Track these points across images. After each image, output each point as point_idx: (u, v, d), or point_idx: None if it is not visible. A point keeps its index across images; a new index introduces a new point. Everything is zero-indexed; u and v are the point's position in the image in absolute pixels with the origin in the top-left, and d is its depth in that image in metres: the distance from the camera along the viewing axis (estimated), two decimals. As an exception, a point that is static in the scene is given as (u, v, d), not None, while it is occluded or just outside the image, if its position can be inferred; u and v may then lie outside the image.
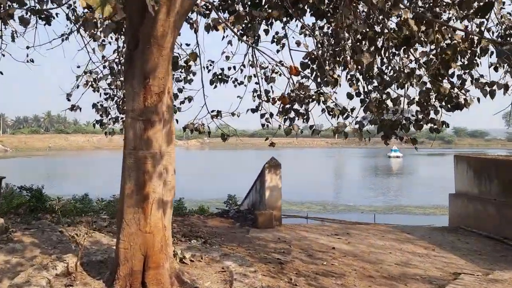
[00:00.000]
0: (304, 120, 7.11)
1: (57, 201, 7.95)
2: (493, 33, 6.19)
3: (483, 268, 6.49)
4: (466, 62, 5.68)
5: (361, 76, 6.44)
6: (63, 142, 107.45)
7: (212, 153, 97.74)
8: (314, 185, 38.86)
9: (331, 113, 6.55)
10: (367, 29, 4.73)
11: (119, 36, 7.76)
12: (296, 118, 7.15)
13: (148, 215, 3.65)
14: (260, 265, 6.26)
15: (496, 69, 6.06)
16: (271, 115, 7.50)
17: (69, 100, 7.90)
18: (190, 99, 8.48)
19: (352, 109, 6.22)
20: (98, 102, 8.40)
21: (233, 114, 7.66)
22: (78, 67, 7.99)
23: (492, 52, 5.80)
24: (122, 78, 7.63)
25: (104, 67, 8.35)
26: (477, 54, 5.75)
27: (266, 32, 7.12)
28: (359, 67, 5.40)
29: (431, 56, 5.16)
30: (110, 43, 7.97)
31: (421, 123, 5.81)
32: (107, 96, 8.48)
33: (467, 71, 5.81)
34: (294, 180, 40.94)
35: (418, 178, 48.12)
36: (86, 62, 7.99)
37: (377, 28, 5.47)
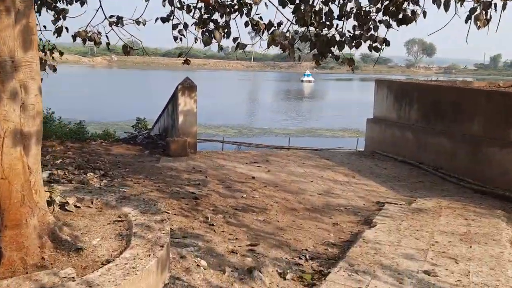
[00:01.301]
0: (225, 35, 5.94)
1: None
2: None
3: (404, 196, 6.35)
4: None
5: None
6: None
7: (121, 72, 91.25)
8: (230, 108, 38.32)
9: (255, 27, 5.49)
10: None
11: None
12: (216, 31, 5.94)
13: (-2, 154, 2.46)
14: (171, 201, 5.40)
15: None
16: (186, 26, 6.17)
17: None
18: (82, 1, 6.73)
19: (279, 24, 5.22)
20: None
21: (138, 22, 6.18)
22: None
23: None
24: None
25: None
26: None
27: None
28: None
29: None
30: None
31: (360, 40, 5.02)
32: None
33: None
34: (210, 103, 39.91)
35: (328, 102, 49.86)
36: None
37: None
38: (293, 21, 5.09)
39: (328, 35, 5.09)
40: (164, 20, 6.35)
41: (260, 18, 5.68)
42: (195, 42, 6.23)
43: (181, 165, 7.86)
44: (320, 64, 5.51)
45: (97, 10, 5.94)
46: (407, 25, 4.74)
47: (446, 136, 7.77)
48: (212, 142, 20.89)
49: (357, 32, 5.15)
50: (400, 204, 5.75)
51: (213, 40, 4.70)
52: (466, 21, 4.55)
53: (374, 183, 7.12)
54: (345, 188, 6.81)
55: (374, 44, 5.10)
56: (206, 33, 5.68)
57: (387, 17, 4.98)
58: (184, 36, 6.45)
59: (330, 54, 5.06)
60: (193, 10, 5.90)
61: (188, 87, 8.95)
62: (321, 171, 7.93)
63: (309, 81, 79.07)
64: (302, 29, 5.17)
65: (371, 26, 5.07)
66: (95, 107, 34.36)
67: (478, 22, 4.51)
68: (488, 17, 4.54)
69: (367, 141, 10.48)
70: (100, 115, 30.27)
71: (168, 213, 4.90)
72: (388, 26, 5.06)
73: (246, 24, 5.66)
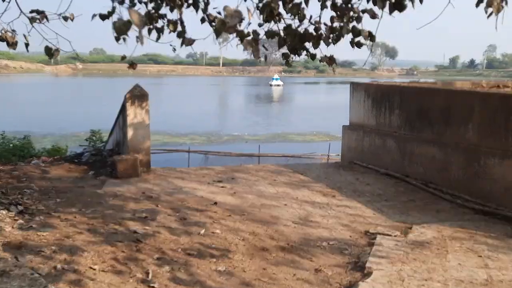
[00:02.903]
0: (179, 34, 4.72)
1: None
2: None
3: (396, 221, 5.29)
4: None
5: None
6: None
7: (86, 80, 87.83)
8: (198, 115, 36.96)
9: (213, 23, 4.32)
10: None
11: None
12: (167, 28, 4.70)
13: None
14: (104, 248, 4.12)
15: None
16: (129, 24, 4.87)
17: None
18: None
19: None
20: None
21: (65, 17, 4.85)
22: None
23: None
24: None
25: None
26: None
27: None
28: None
29: None
30: None
31: (340, 34, 3.93)
32: None
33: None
34: (177, 110, 38.41)
35: (297, 105, 49.32)
36: None
37: None
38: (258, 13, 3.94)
39: (300, 28, 3.97)
40: (104, 17, 5.02)
41: (219, 13, 4.52)
42: (137, 42, 4.96)
43: (130, 189, 6.56)
44: (291, 65, 4.40)
45: (9, 3, 4.60)
46: (401, 11, 3.69)
47: (435, 145, 6.81)
48: (178, 152, 19.52)
49: (335, 24, 4.04)
50: (395, 236, 4.68)
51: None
52: (477, 5, 3.56)
53: (358, 204, 6.05)
54: (325, 212, 5.70)
55: (356, 39, 4.02)
56: (155, 31, 4.42)
57: (373, 5, 3.93)
58: (128, 36, 5.17)
59: (305, 52, 3.96)
60: (137, 4, 4.66)
61: (138, 95, 7.64)
62: (296, 190, 6.80)
63: (278, 85, 78.81)
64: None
65: (354, 17, 3.99)
66: (53, 118, 32.25)
67: (491, 8, 3.53)
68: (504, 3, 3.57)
69: (343, 150, 9.46)
70: (58, 127, 28.30)
71: (94, 269, 3.63)
72: (374, 16, 4.00)
73: (203, 20, 4.48)
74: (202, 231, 4.80)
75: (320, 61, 3.95)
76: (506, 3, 3.56)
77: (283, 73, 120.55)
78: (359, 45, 4.02)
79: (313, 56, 4.05)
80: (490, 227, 4.98)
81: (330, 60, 4.06)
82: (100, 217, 5.09)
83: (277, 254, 4.32)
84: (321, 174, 7.92)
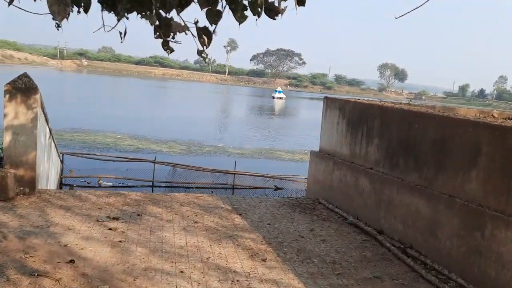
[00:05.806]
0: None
1: None
2: None
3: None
4: None
5: None
6: None
7: (87, 78, 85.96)
8: (189, 122, 34.91)
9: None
10: None
11: None
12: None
13: None
14: None
15: None
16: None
17: None
18: None
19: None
20: None
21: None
22: None
23: None
24: None
25: None
26: None
27: None
28: None
29: None
30: None
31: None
32: None
33: None
34: (167, 115, 36.43)
35: (296, 121, 47.36)
36: None
37: None
38: None
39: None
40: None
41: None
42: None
43: (-30, 222, 4.48)
44: (170, 50, 2.39)
45: None
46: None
47: (422, 195, 4.73)
48: (141, 161, 17.35)
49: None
50: None
51: None
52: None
53: (293, 281, 3.93)
54: (234, 293, 3.59)
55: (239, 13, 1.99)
56: None
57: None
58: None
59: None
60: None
61: (22, 89, 5.59)
62: (216, 242, 4.69)
63: (280, 98, 77.22)
64: None
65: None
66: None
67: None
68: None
69: (309, 183, 7.40)
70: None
71: None
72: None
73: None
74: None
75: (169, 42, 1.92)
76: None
77: (288, 86, 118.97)
78: (240, 18, 2.01)
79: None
80: None
81: (204, 34, 2.04)
82: None
83: None
84: (265, 217, 5.80)
